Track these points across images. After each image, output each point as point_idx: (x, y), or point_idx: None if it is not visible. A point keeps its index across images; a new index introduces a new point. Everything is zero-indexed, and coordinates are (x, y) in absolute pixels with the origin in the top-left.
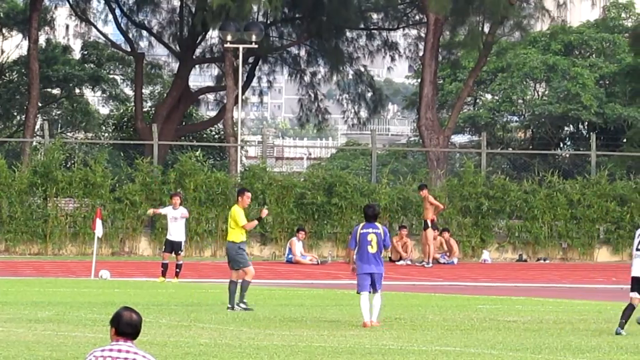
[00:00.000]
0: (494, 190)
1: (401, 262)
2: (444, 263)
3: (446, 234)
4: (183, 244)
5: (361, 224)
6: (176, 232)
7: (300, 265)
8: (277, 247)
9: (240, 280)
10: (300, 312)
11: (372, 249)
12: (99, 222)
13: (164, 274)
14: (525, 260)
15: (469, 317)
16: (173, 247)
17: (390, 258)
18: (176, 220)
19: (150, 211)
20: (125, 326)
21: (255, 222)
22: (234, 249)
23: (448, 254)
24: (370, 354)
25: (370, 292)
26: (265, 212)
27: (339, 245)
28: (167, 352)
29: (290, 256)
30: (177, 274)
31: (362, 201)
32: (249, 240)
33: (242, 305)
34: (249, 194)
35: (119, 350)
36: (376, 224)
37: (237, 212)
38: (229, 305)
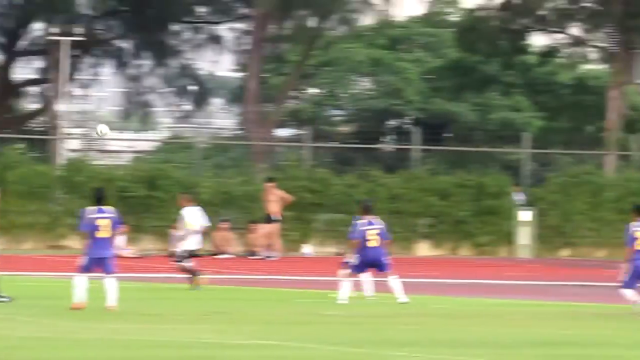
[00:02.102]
0: (317, 184)
1: (224, 256)
2: (265, 257)
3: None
4: None
5: (92, 208)
6: None
7: (121, 259)
8: None
9: None
10: (120, 305)
11: (104, 234)
12: None
13: None
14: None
15: (289, 311)
16: None
17: (211, 252)
18: None
19: None
20: None
21: None
22: None
23: (269, 247)
24: (189, 347)
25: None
26: None
27: (161, 239)
28: None
29: None
30: None
31: None
32: (69, 233)
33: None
34: None
35: None
36: (108, 208)
37: None
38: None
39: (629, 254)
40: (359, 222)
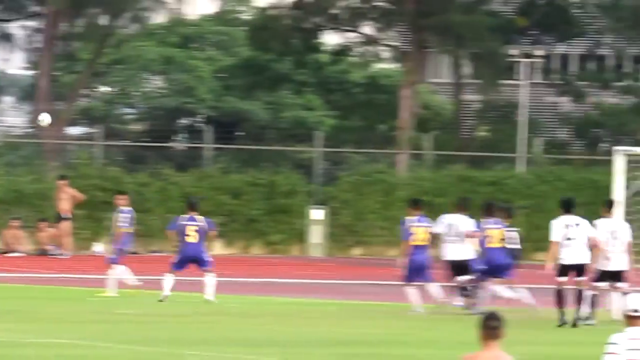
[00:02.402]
0: (108, 182)
1: (14, 254)
2: (56, 255)
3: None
4: None
5: None
6: None
7: None
8: None
9: None
10: None
11: None
12: None
13: None
14: (136, 253)
15: (81, 310)
16: None
17: (1, 251)
18: None
19: None
20: None
21: None
22: None
23: (60, 245)
24: None
25: None
26: None
27: None
28: None
29: None
30: None
31: None
32: None
33: None
34: None
35: None
36: None
37: None
38: None
39: (406, 249)
40: (180, 216)
